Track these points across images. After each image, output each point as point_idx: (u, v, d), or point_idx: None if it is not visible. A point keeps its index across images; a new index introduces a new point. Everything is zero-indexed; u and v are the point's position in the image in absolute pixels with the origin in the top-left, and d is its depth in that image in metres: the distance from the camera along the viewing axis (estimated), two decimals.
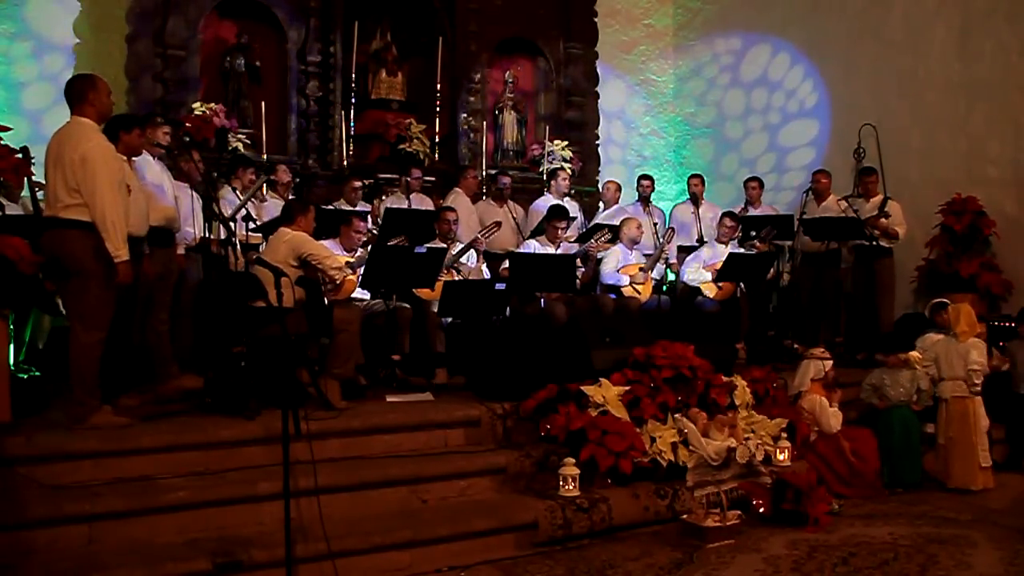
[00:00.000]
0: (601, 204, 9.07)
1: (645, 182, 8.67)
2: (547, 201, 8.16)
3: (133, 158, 5.14)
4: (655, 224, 8.27)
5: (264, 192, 7.09)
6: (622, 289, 7.18)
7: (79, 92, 4.57)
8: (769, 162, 10.31)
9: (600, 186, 9.46)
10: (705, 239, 8.18)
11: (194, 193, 5.65)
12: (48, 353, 5.82)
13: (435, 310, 6.28)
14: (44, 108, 7.90)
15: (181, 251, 5.72)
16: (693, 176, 8.85)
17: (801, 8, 9.91)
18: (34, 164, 6.01)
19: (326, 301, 5.46)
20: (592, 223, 8.34)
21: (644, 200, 8.53)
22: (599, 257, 7.26)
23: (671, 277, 7.86)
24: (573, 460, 4.89)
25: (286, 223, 5.51)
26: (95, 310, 4.50)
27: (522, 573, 4.34)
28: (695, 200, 8.60)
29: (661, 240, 7.76)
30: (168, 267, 5.48)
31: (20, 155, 5.92)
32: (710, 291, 7.42)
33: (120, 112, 6.68)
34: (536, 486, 4.90)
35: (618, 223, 7.71)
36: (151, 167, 5.46)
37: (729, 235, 7.62)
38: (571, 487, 4.80)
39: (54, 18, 8.14)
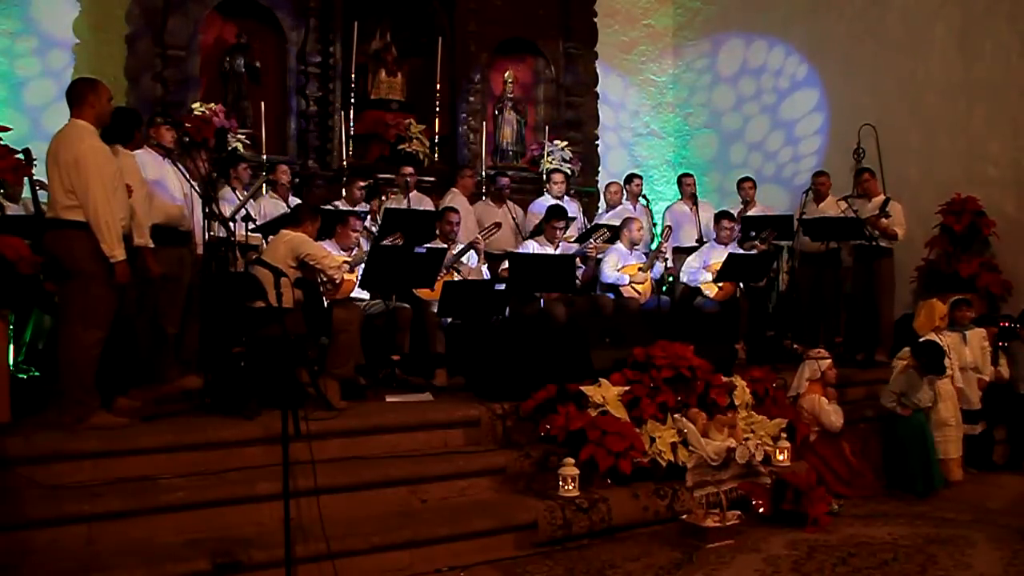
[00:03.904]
0: (603, 205, 9.06)
1: (636, 180, 8.67)
2: (546, 202, 8.16)
3: (139, 158, 5.18)
4: (653, 225, 8.27)
5: (263, 191, 7.11)
6: (622, 289, 7.18)
7: (80, 94, 4.60)
8: (769, 163, 10.31)
9: (600, 187, 9.47)
10: (704, 239, 8.18)
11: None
12: (48, 353, 5.82)
13: (435, 310, 6.28)
14: (44, 108, 7.90)
15: (200, 250, 5.67)
16: (686, 175, 8.84)
17: (801, 8, 9.90)
18: (35, 165, 6.02)
19: (325, 302, 5.46)
20: (593, 223, 8.35)
21: (635, 198, 8.54)
22: (598, 257, 7.27)
23: (670, 278, 7.85)
24: (572, 460, 4.89)
25: (292, 225, 5.51)
26: (95, 310, 4.51)
27: (522, 573, 4.34)
28: (695, 200, 8.59)
29: (659, 239, 7.76)
30: (177, 266, 5.48)
31: (21, 156, 5.92)
32: (710, 291, 7.42)
33: None
34: (536, 486, 4.90)
35: (618, 223, 7.73)
36: (158, 166, 5.47)
37: (728, 236, 7.61)
38: (571, 487, 4.81)
39: (54, 18, 8.13)
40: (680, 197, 8.73)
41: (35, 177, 6.00)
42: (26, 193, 6.16)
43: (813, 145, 9.88)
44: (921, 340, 6.17)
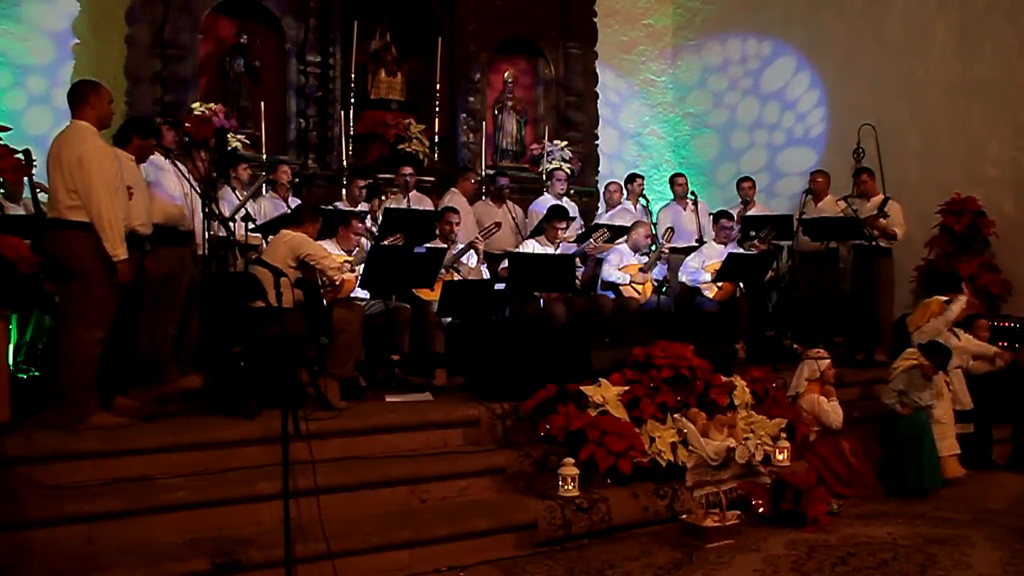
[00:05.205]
0: (603, 205, 9.06)
1: (638, 180, 8.68)
2: (546, 201, 8.16)
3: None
4: (652, 225, 8.28)
5: (263, 191, 7.11)
6: (622, 289, 7.19)
7: (82, 95, 4.64)
8: (770, 164, 10.30)
9: (599, 186, 9.46)
10: (703, 239, 8.18)
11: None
12: (48, 353, 5.83)
13: (434, 310, 6.28)
14: (43, 110, 7.90)
15: (202, 251, 5.66)
16: (677, 175, 8.82)
17: (801, 8, 9.91)
18: (35, 166, 6.02)
19: (324, 302, 5.46)
20: (592, 223, 8.35)
21: (636, 198, 8.54)
22: (599, 257, 7.27)
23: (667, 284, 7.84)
24: (572, 460, 4.89)
25: (293, 225, 5.51)
26: (97, 309, 4.52)
27: (521, 573, 4.34)
28: (695, 200, 8.58)
29: (661, 240, 7.76)
30: (177, 267, 5.48)
31: (21, 157, 5.93)
32: (709, 291, 7.43)
33: (118, 113, 6.71)
34: (535, 486, 4.90)
35: (619, 224, 7.74)
36: (158, 166, 5.47)
37: (727, 236, 7.61)
38: (570, 487, 4.81)
39: (53, 18, 8.12)
40: (673, 197, 8.72)
41: (35, 179, 6.01)
42: (26, 193, 6.17)
43: (812, 145, 9.89)
44: (928, 342, 6.17)
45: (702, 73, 11.12)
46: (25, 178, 6.01)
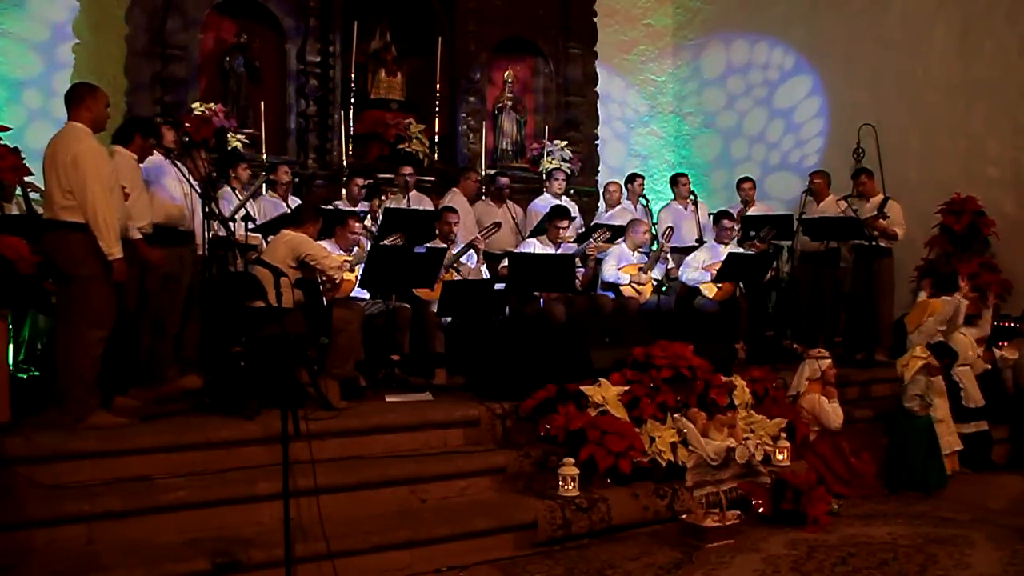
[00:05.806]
0: (603, 205, 9.06)
1: (638, 180, 8.67)
2: (546, 201, 8.16)
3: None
4: (652, 225, 8.27)
5: (263, 191, 7.12)
6: (622, 289, 7.19)
7: (79, 97, 4.66)
8: (769, 163, 10.30)
9: (599, 186, 9.46)
10: (703, 239, 8.18)
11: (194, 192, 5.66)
12: (47, 353, 5.83)
13: (434, 310, 6.28)
14: (42, 108, 7.89)
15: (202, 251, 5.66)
16: (680, 175, 8.82)
17: (801, 8, 9.91)
18: (25, 162, 6.01)
19: (324, 302, 5.46)
20: (592, 223, 8.34)
21: (637, 198, 8.54)
22: (598, 257, 7.27)
23: (668, 282, 7.84)
24: (572, 460, 4.89)
25: (293, 225, 5.51)
26: (96, 309, 4.53)
27: (521, 573, 4.34)
28: (695, 200, 8.58)
29: (660, 240, 7.76)
30: (178, 266, 5.47)
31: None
32: (709, 291, 7.43)
33: (119, 112, 6.72)
34: (535, 486, 4.90)
35: (618, 224, 7.73)
36: (158, 166, 5.48)
37: (728, 236, 7.61)
38: (570, 487, 4.81)
39: (53, 18, 8.12)
40: (674, 197, 8.72)
41: (28, 178, 6.01)
42: (17, 192, 6.16)
43: (813, 144, 9.88)
44: (937, 342, 6.18)
45: (702, 73, 11.10)
46: (21, 177, 6.02)
